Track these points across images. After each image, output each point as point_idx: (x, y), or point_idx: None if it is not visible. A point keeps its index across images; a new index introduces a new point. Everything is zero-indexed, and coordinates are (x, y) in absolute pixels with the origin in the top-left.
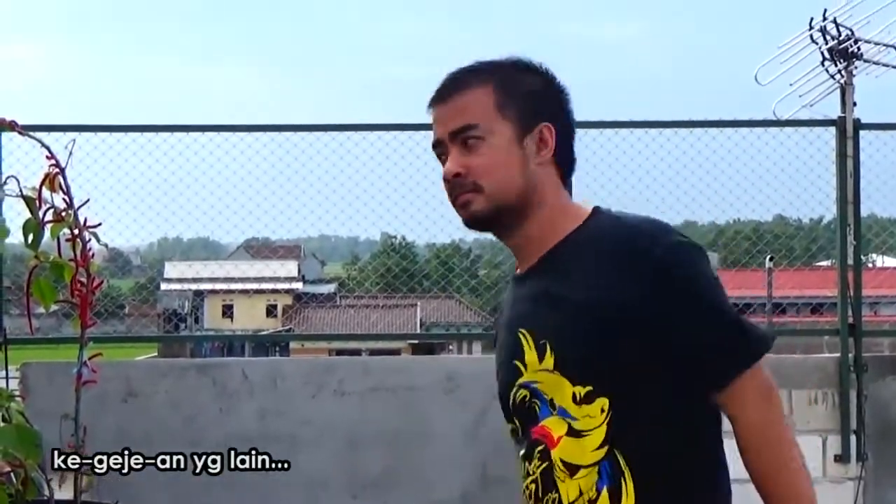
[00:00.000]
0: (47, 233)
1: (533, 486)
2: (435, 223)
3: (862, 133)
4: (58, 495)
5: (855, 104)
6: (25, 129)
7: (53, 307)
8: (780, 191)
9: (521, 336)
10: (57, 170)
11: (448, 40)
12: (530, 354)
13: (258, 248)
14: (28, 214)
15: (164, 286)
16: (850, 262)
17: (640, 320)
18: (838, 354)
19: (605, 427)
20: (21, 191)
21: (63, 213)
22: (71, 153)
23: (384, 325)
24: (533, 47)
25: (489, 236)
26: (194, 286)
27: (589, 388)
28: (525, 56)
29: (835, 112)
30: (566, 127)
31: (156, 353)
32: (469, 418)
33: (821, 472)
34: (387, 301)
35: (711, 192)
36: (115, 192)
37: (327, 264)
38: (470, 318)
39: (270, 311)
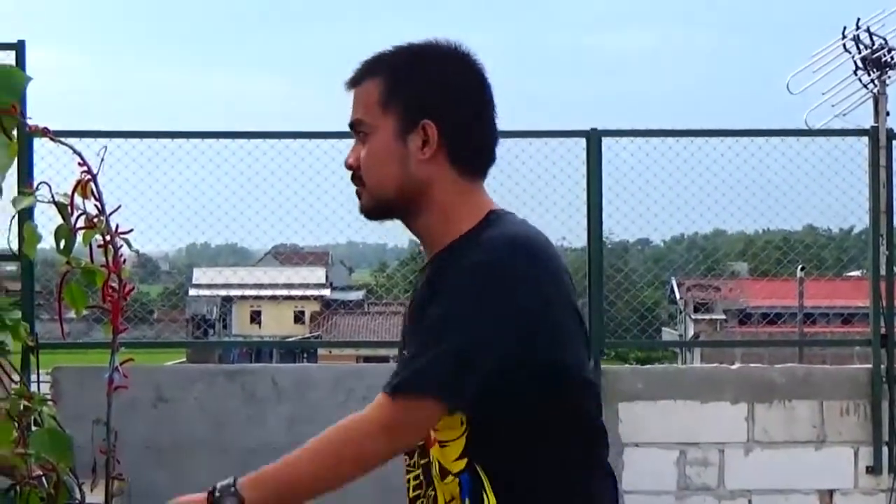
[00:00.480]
0: (79, 238)
1: (415, 481)
2: None
3: (895, 143)
4: (89, 499)
5: (888, 114)
6: (57, 135)
7: (84, 312)
8: (812, 200)
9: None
10: (89, 176)
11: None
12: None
13: (286, 255)
14: (60, 220)
15: (192, 292)
16: (883, 272)
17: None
18: (870, 365)
19: (463, 440)
20: (53, 197)
21: (95, 220)
22: (103, 159)
23: None
24: (555, 56)
25: None
26: (223, 292)
27: None
28: (440, 42)
29: (868, 122)
30: (466, 123)
31: (184, 359)
32: None
33: (852, 483)
34: None
35: (742, 201)
36: (146, 198)
37: (355, 271)
38: None
39: (298, 317)
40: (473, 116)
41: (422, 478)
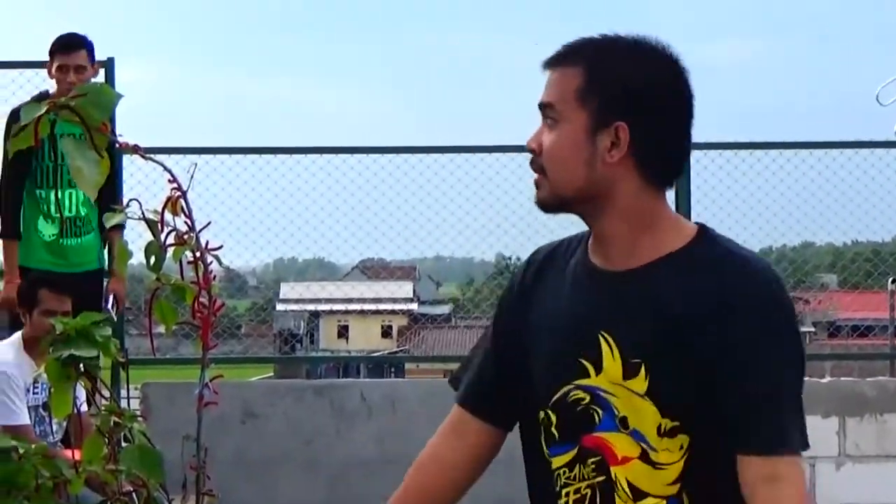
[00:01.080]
0: (169, 255)
1: (588, 492)
2: None
3: None
4: None
5: None
6: (147, 152)
7: (173, 328)
8: None
9: (601, 338)
10: (178, 192)
11: None
12: (612, 365)
13: (373, 269)
14: (150, 237)
15: (280, 307)
16: None
17: (728, 370)
18: None
19: (681, 464)
20: (143, 213)
21: (185, 236)
22: (192, 176)
23: None
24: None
25: None
26: (310, 307)
27: (676, 423)
28: (650, 41)
29: None
30: (660, 132)
31: (271, 373)
32: None
33: None
34: None
35: (831, 213)
36: (234, 214)
37: (442, 285)
38: None
39: (386, 332)
40: (670, 126)
41: (591, 493)
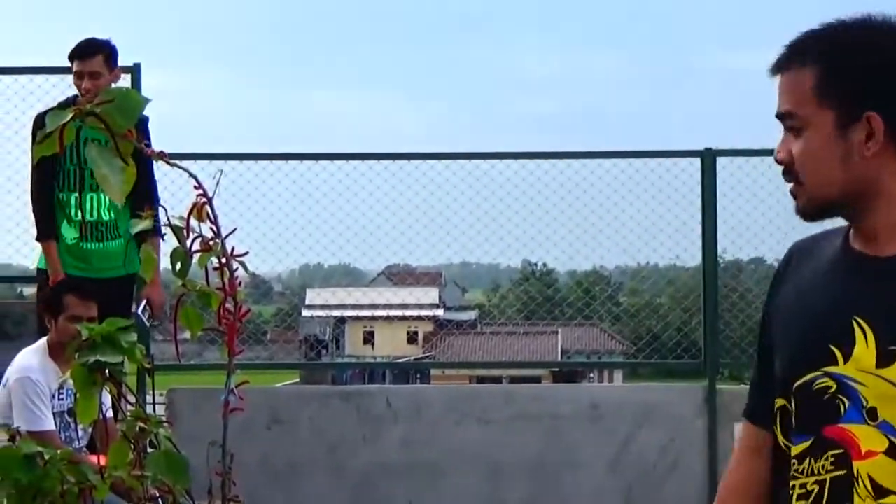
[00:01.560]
0: (194, 261)
1: (815, 489)
2: (578, 251)
3: None
4: None
5: None
6: (172, 158)
7: (198, 334)
8: None
9: (854, 323)
10: (204, 199)
11: (588, 73)
12: (864, 352)
13: (399, 275)
14: (175, 243)
15: (305, 313)
16: None
17: None
18: None
19: None
20: (168, 220)
21: (210, 242)
22: (218, 182)
23: (526, 352)
24: (680, 77)
25: (631, 263)
26: (336, 313)
27: None
28: (878, 18)
29: None
30: None
31: (297, 379)
32: (613, 447)
33: None
34: (528, 328)
35: None
36: (260, 220)
37: (468, 291)
38: (612, 346)
39: (411, 337)
40: None
41: (827, 489)
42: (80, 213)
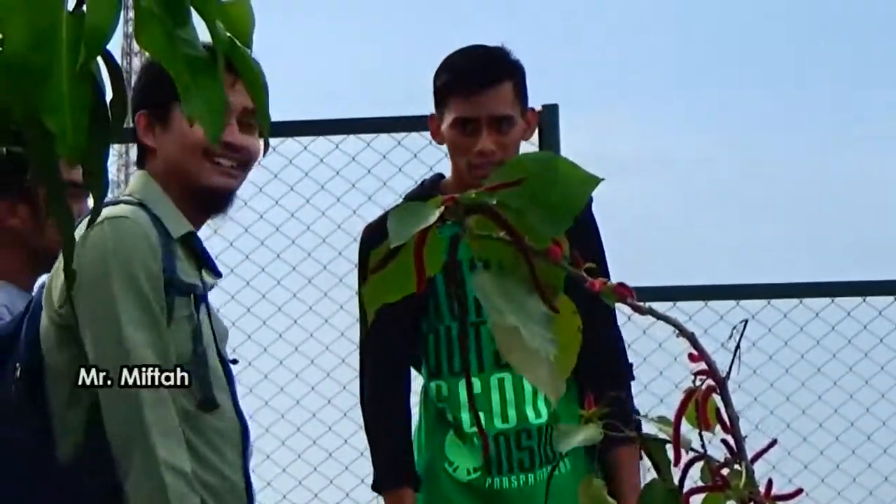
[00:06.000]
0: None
1: None
2: None
3: None
4: None
5: None
6: (645, 297)
7: None
8: None
9: None
10: (710, 379)
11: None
12: None
13: None
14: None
15: None
16: None
17: None
18: None
19: None
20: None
21: (725, 471)
22: (742, 335)
23: None
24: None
25: None
26: None
27: None
28: None
29: None
30: None
31: None
32: None
33: None
34: None
35: None
36: None
37: None
38: None
39: None
40: None
41: None
42: (475, 421)
